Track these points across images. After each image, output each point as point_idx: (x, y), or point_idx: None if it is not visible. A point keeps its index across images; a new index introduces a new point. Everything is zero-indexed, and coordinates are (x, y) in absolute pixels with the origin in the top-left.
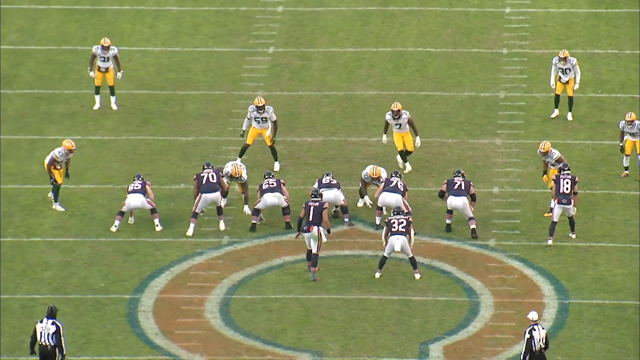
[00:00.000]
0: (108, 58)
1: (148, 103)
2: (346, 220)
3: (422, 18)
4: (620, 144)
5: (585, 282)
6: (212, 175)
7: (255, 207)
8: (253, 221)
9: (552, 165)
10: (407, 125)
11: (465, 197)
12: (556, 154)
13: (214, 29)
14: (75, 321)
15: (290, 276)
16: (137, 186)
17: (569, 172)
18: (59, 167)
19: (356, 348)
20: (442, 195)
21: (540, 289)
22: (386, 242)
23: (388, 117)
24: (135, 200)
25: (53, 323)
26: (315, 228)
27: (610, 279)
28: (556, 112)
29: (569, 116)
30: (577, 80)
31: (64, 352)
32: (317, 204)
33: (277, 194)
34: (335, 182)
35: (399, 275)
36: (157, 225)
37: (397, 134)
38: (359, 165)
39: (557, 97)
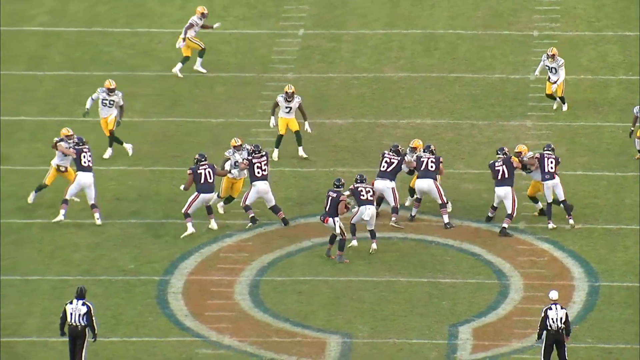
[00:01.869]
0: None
1: (177, 85)
2: (393, 218)
3: (453, 0)
4: (632, 128)
5: (615, 264)
6: (209, 173)
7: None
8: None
9: (531, 164)
10: (295, 111)
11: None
12: (530, 153)
13: (244, 11)
14: (105, 302)
15: (319, 258)
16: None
17: (552, 152)
18: (62, 170)
19: (385, 330)
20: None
21: (570, 272)
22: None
23: (280, 98)
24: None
25: (84, 304)
26: (330, 220)
27: None
28: (555, 104)
29: (564, 107)
30: (559, 83)
31: (95, 332)
32: (335, 194)
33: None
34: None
35: (428, 257)
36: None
37: (282, 119)
38: (388, 147)
39: (548, 95)
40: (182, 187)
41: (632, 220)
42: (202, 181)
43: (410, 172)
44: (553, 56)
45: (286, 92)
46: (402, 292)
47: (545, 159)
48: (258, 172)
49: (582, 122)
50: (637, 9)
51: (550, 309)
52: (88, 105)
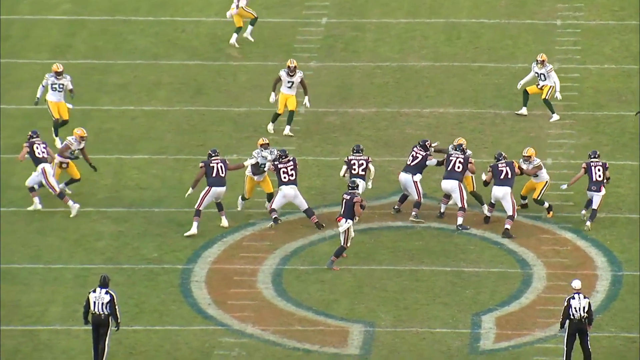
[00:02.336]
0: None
1: (201, 74)
2: (413, 214)
3: None
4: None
5: (638, 254)
6: (222, 167)
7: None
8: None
9: (533, 174)
10: (296, 87)
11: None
12: (537, 161)
13: None
14: (128, 291)
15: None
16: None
17: (598, 158)
18: (64, 166)
19: (408, 319)
20: (486, 184)
21: (593, 261)
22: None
23: (282, 73)
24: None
25: (107, 292)
26: (342, 220)
27: None
28: (524, 109)
29: (555, 117)
30: (558, 89)
31: (119, 321)
32: (348, 197)
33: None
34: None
35: (452, 246)
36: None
37: (282, 95)
38: (412, 136)
39: (525, 93)
40: (190, 190)
41: None
42: (214, 175)
43: (440, 164)
44: (543, 62)
45: (288, 67)
46: (425, 280)
47: (593, 168)
48: (284, 177)
49: (606, 112)
50: None
51: (573, 298)
52: (39, 94)
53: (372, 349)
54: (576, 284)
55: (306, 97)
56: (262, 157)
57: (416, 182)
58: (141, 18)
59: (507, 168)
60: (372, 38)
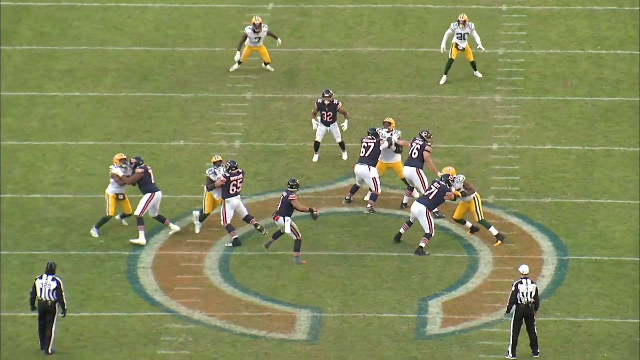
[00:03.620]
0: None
1: (147, 60)
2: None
3: None
4: None
5: (584, 238)
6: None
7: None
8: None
9: (462, 194)
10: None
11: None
12: (461, 177)
13: None
14: (74, 277)
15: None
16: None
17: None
18: (121, 197)
19: (355, 304)
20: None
21: (539, 246)
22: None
23: (248, 30)
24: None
25: (53, 279)
26: (280, 218)
27: (609, 236)
28: (444, 78)
29: (478, 73)
30: (479, 42)
31: (65, 307)
32: (285, 194)
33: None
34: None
35: (398, 231)
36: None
37: (249, 47)
38: (359, 122)
39: (450, 61)
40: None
41: (601, 195)
42: (153, 181)
43: (397, 151)
44: (464, 22)
45: (253, 24)
46: (371, 266)
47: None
48: (232, 190)
49: (551, 97)
50: None
51: (521, 282)
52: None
53: (320, 334)
54: (524, 268)
55: (278, 40)
56: (214, 173)
57: (374, 177)
58: (87, 4)
59: (436, 191)
60: (318, 23)
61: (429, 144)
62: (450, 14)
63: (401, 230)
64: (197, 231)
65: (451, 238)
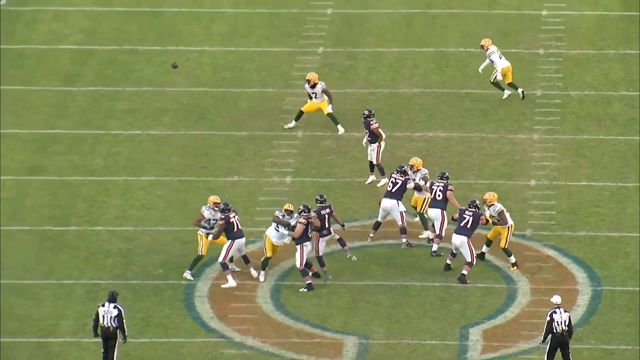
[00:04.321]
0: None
1: (204, 100)
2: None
3: (463, 20)
4: None
5: (617, 270)
6: (238, 220)
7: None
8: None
9: (495, 220)
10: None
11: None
12: (498, 207)
13: (267, 30)
14: (135, 305)
15: (338, 263)
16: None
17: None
18: (210, 238)
19: (400, 332)
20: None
21: (574, 277)
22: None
23: (306, 86)
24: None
25: (115, 307)
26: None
27: None
28: (506, 92)
29: (507, 92)
30: (482, 66)
31: (126, 334)
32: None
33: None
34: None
35: (440, 262)
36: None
37: (312, 103)
38: (403, 159)
39: (496, 84)
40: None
41: (633, 229)
42: (236, 229)
43: (417, 188)
44: (482, 46)
45: (307, 80)
46: (415, 295)
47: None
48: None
49: (586, 136)
50: (638, 28)
51: (555, 312)
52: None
53: (366, 359)
54: (556, 299)
55: (330, 106)
56: (286, 220)
57: (401, 211)
58: (147, 48)
59: (472, 219)
60: (365, 66)
61: (450, 183)
62: None
63: (448, 261)
64: (262, 280)
65: (491, 269)
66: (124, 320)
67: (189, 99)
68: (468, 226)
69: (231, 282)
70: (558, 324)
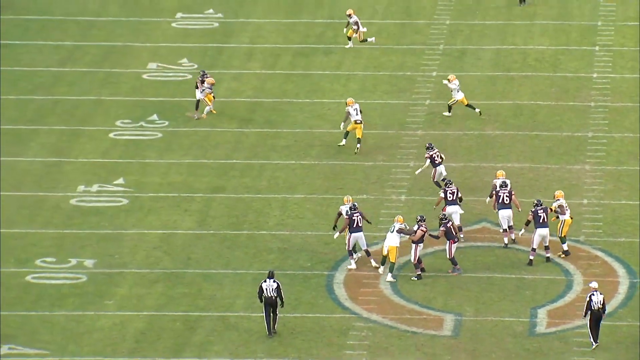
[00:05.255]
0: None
1: (341, 139)
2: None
3: (534, 80)
4: None
5: None
6: (359, 218)
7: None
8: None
9: (557, 210)
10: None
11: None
12: (562, 200)
13: (387, 87)
14: (290, 289)
15: (440, 259)
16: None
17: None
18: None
19: (485, 311)
20: (528, 223)
21: (616, 271)
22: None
23: (350, 109)
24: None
25: (274, 281)
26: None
27: None
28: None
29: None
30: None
31: (283, 300)
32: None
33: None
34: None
35: (516, 260)
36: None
37: (353, 125)
38: (488, 183)
39: (465, 106)
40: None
41: None
42: (355, 225)
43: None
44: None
45: (349, 105)
46: (497, 284)
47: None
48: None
49: (626, 167)
50: None
51: (593, 294)
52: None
53: (460, 332)
54: (594, 284)
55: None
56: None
57: (460, 213)
58: (300, 100)
59: (544, 214)
60: (460, 114)
61: (512, 189)
62: (555, 108)
63: (531, 257)
64: (382, 271)
65: (554, 265)
66: (281, 291)
67: (329, 137)
68: (545, 220)
69: (352, 265)
70: (595, 303)
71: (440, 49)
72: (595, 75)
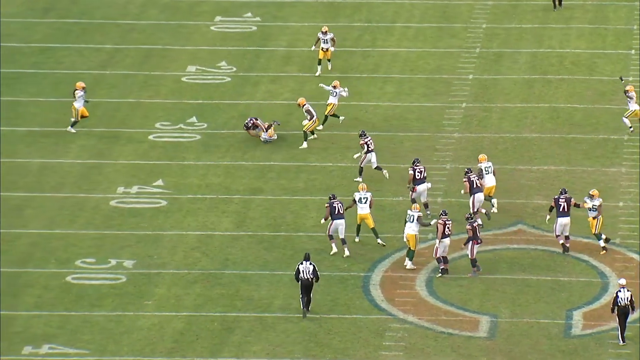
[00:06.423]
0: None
1: (378, 140)
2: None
3: (570, 83)
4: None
5: None
6: (340, 206)
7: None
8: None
9: (595, 209)
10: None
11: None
12: (599, 200)
13: (424, 90)
14: (326, 290)
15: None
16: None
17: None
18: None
19: (521, 313)
20: (551, 209)
21: None
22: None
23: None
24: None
25: (310, 263)
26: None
27: None
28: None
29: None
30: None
31: (319, 278)
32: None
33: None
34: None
35: (552, 262)
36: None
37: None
38: (525, 186)
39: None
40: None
41: None
42: (336, 212)
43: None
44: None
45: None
46: (533, 286)
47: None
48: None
49: None
50: None
51: (620, 291)
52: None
53: (496, 333)
54: (622, 281)
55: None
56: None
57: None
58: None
59: (565, 203)
60: (497, 117)
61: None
62: (591, 111)
63: (561, 242)
64: (409, 267)
65: (589, 268)
66: (317, 272)
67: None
68: (567, 209)
69: (334, 249)
70: (622, 300)
71: (477, 52)
72: (630, 78)
